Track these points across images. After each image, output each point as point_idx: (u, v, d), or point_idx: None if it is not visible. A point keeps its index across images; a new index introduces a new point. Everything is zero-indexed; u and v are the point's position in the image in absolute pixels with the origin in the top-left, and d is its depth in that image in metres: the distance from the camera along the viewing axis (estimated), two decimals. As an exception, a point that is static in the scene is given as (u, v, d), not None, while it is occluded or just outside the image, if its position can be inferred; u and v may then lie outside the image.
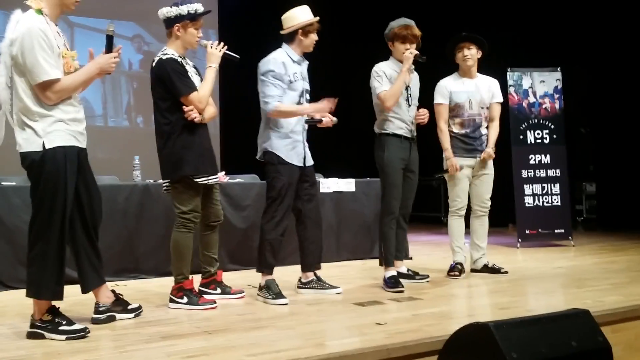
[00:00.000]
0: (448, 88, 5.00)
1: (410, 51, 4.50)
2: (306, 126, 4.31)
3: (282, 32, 4.29)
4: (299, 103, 4.23)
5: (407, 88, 4.60)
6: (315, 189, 4.44)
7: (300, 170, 4.25)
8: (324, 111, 4.21)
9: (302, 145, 4.29)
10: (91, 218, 3.42)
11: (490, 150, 5.00)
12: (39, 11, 3.20)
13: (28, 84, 3.16)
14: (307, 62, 4.37)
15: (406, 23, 4.57)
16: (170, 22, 3.95)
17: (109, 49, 3.37)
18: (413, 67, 4.67)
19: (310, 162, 4.36)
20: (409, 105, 4.61)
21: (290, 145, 4.20)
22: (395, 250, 4.61)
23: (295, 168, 4.21)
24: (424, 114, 4.64)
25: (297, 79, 4.23)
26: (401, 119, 4.58)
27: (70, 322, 3.23)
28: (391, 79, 4.52)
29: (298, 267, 4.48)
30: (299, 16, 4.25)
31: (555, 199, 7.02)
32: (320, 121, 4.29)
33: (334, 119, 4.34)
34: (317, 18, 4.27)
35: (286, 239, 4.31)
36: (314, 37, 4.27)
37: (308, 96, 4.34)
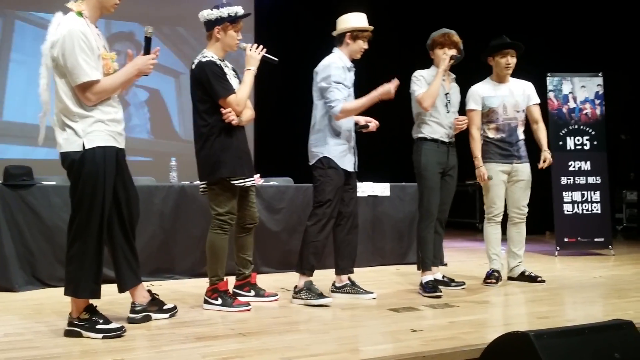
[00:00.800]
0: (480, 94, 4.94)
1: (446, 53, 4.50)
2: (358, 130, 4.36)
3: (333, 33, 4.33)
4: None
5: (446, 95, 4.59)
6: (355, 193, 4.44)
7: (346, 175, 4.25)
8: (389, 93, 4.15)
9: (354, 150, 4.33)
10: (129, 218, 3.46)
11: (548, 154, 4.94)
12: (80, 13, 3.25)
13: (68, 85, 3.21)
14: (354, 69, 4.39)
15: (446, 31, 4.60)
16: (210, 24, 3.97)
17: (147, 50, 3.41)
18: (454, 76, 4.70)
19: (356, 168, 4.39)
20: (448, 112, 4.59)
21: (344, 152, 4.24)
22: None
23: (343, 173, 4.23)
24: (463, 120, 4.63)
25: (348, 86, 4.28)
26: (439, 123, 4.56)
27: (107, 321, 3.27)
28: (430, 84, 4.50)
29: (328, 271, 4.45)
30: (352, 20, 4.28)
31: (595, 207, 6.87)
32: (367, 127, 4.38)
33: (377, 123, 4.41)
34: (370, 27, 4.28)
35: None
36: (362, 44, 4.28)
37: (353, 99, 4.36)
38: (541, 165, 4.96)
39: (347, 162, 4.26)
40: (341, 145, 4.24)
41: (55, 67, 3.21)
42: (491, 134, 4.94)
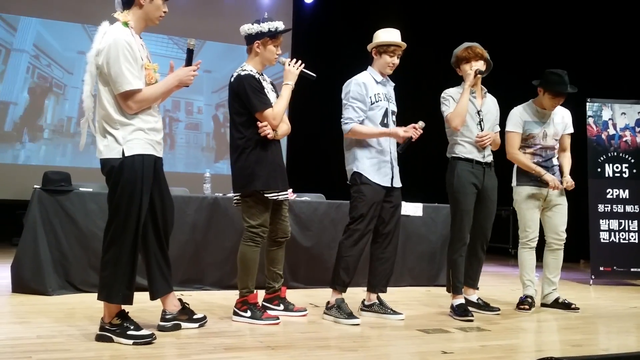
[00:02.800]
0: (522, 117, 4.87)
1: (471, 68, 4.43)
2: (400, 152, 4.27)
3: (368, 47, 4.35)
4: (382, 123, 4.24)
5: (478, 112, 4.51)
6: (398, 212, 4.35)
7: (386, 191, 4.23)
8: (399, 138, 4.17)
9: (390, 165, 4.27)
10: (163, 226, 3.50)
11: (569, 178, 4.85)
12: (126, 24, 3.33)
13: (111, 93, 3.27)
14: (392, 84, 4.38)
15: (468, 45, 4.53)
16: (250, 38, 4.03)
17: (189, 62, 3.46)
18: (485, 90, 4.61)
19: (398, 183, 4.33)
20: (482, 130, 4.50)
21: (376, 166, 4.20)
22: (467, 277, 4.54)
23: (380, 188, 4.19)
24: (485, 135, 4.45)
25: (379, 99, 4.24)
26: (472, 143, 4.48)
27: (138, 327, 3.29)
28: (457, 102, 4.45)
29: (360, 289, 4.42)
30: (379, 36, 4.30)
31: (632, 236, 6.72)
32: (406, 145, 4.22)
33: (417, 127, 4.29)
34: (396, 42, 4.26)
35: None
36: (387, 58, 4.26)
37: (394, 117, 4.35)
38: (563, 187, 4.83)
39: (380, 176, 4.20)
40: (371, 159, 4.19)
41: (100, 75, 3.28)
42: (528, 158, 4.86)
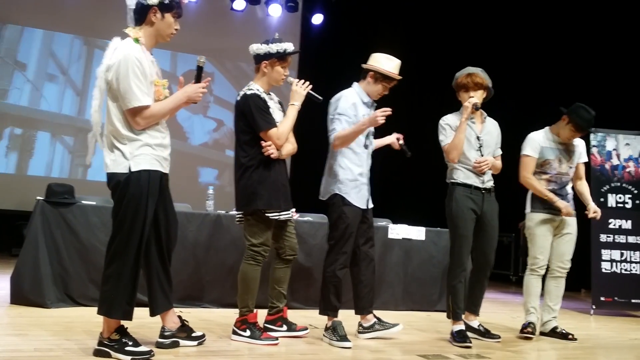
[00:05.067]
0: (540, 143, 4.87)
1: (468, 101, 4.39)
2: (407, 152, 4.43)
3: (363, 65, 4.32)
4: (364, 144, 4.26)
5: (477, 138, 4.49)
6: (372, 231, 4.39)
7: (362, 212, 4.23)
8: (376, 122, 4.06)
9: (367, 187, 4.30)
10: (167, 242, 3.50)
11: (595, 206, 4.89)
12: (137, 40, 3.35)
13: (120, 109, 3.29)
14: (375, 105, 4.36)
15: (469, 71, 4.49)
16: (259, 58, 4.05)
17: (198, 79, 3.49)
18: (485, 115, 4.57)
19: (371, 204, 4.35)
20: (481, 155, 4.47)
21: (357, 188, 4.20)
22: (469, 302, 4.53)
23: (359, 210, 4.20)
24: (483, 161, 4.42)
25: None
26: (471, 169, 4.46)
27: (136, 344, 3.27)
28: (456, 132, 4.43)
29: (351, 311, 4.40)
30: (382, 63, 4.26)
31: (634, 267, 6.69)
32: (405, 152, 4.43)
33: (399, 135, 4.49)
34: (396, 76, 4.25)
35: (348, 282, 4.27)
36: (381, 88, 4.27)
37: (372, 137, 4.37)
38: (592, 215, 4.87)
39: (360, 199, 4.20)
40: (352, 181, 4.18)
41: (109, 90, 3.30)
42: (543, 184, 4.86)
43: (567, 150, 4.88)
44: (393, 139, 4.55)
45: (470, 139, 4.46)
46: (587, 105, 4.78)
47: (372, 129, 4.30)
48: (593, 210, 4.88)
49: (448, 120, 4.51)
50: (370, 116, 4.12)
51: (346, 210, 4.14)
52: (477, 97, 4.43)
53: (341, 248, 4.13)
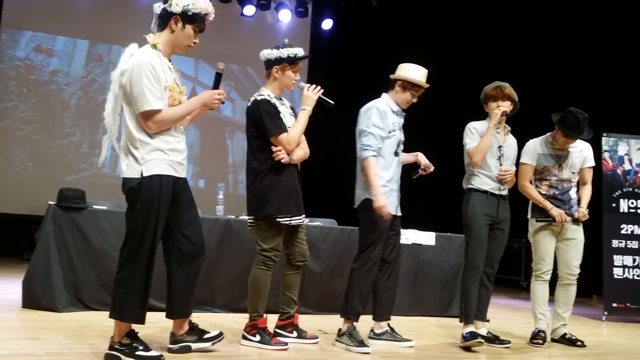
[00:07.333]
0: (537, 150, 4.87)
1: (498, 108, 4.48)
2: (414, 177, 4.45)
3: (390, 75, 4.36)
4: (395, 153, 4.28)
5: (499, 147, 4.55)
6: (399, 239, 4.40)
7: (391, 219, 4.23)
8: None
9: (397, 194, 4.31)
10: (185, 246, 3.47)
11: (584, 209, 4.81)
12: (154, 46, 3.38)
13: (133, 113, 3.31)
14: (404, 114, 4.40)
15: (498, 84, 4.59)
16: (269, 63, 4.06)
17: (216, 85, 3.50)
18: (509, 128, 4.66)
19: (399, 212, 4.36)
20: (501, 165, 4.54)
21: (387, 194, 4.19)
22: (476, 309, 4.50)
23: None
24: (507, 171, 4.52)
25: (394, 129, 4.28)
26: (489, 176, 4.52)
27: (147, 348, 3.28)
28: (482, 137, 4.49)
29: (368, 316, 4.39)
30: (409, 71, 4.31)
31: (646, 273, 6.64)
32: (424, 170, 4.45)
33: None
34: (424, 84, 4.30)
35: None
36: (409, 97, 4.31)
37: (402, 147, 4.39)
38: (576, 216, 4.80)
39: (390, 205, 4.20)
40: (384, 187, 4.18)
41: (123, 95, 3.32)
42: (543, 190, 4.84)
43: (567, 156, 4.86)
44: (418, 158, 4.54)
45: (493, 147, 4.53)
46: (577, 109, 4.73)
47: (402, 138, 4.35)
48: (579, 212, 4.80)
49: (475, 125, 4.60)
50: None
51: (375, 216, 4.13)
52: (506, 107, 4.51)
53: (371, 253, 4.14)
